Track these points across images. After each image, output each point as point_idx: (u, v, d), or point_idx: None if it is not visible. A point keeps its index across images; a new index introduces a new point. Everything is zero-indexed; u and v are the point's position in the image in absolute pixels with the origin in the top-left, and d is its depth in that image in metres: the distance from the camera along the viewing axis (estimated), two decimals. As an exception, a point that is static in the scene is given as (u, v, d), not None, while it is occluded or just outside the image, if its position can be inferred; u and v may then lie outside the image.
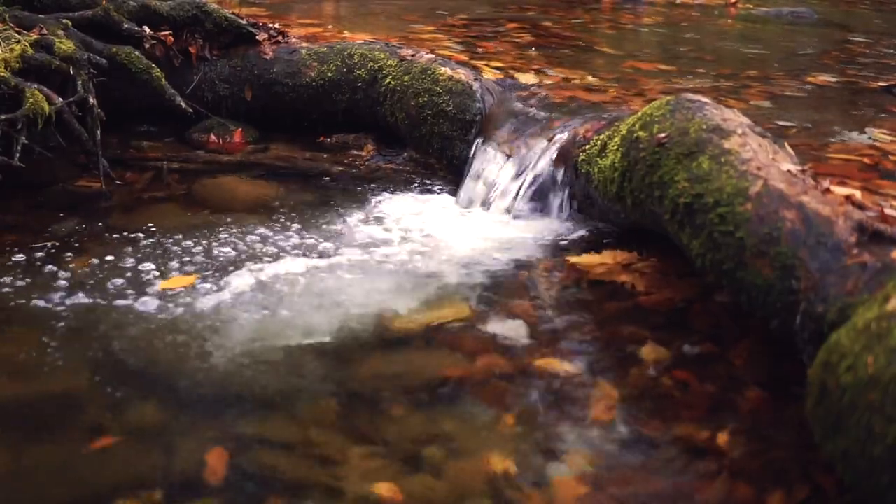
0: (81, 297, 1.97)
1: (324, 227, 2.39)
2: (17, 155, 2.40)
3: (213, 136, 3.04)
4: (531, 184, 2.47)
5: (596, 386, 1.70)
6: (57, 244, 2.22)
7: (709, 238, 1.74)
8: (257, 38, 3.10)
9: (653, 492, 1.42)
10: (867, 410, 1.19)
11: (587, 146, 2.35)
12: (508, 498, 1.40)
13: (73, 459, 1.47)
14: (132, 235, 2.29)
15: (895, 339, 1.20)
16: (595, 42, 4.24)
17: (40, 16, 2.84)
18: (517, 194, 2.47)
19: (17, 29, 2.68)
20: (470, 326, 1.91)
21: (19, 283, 2.03)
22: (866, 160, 2.38)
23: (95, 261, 2.14)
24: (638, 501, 1.40)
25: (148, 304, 1.95)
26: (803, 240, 1.57)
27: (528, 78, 3.10)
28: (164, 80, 2.88)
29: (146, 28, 2.97)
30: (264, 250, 2.23)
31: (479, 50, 3.65)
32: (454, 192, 2.65)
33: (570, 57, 3.74)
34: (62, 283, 2.03)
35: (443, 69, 2.85)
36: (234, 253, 2.21)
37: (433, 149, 2.83)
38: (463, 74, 2.84)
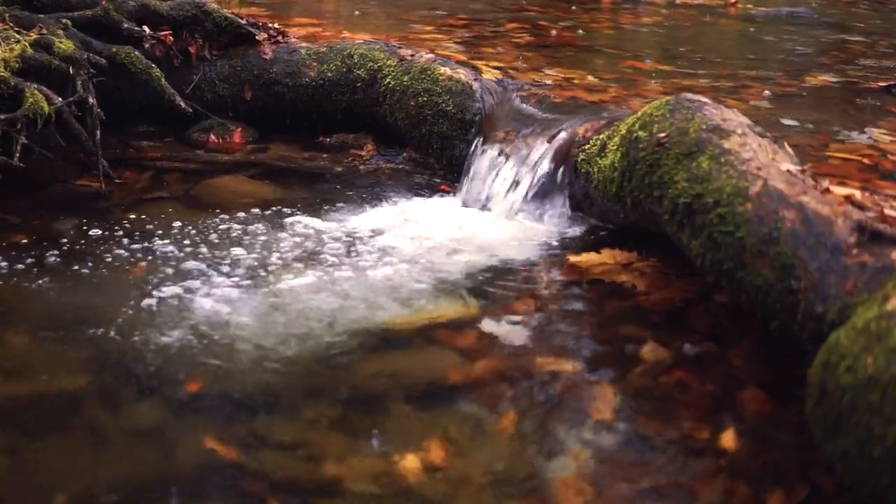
0: (81, 297, 1.96)
1: (323, 226, 2.39)
2: (17, 155, 2.40)
3: (212, 136, 3.04)
4: (531, 183, 2.47)
5: (596, 386, 1.70)
6: (56, 244, 2.22)
7: (708, 238, 1.74)
8: (257, 38, 3.10)
9: (653, 492, 1.42)
10: (867, 411, 1.19)
11: (587, 146, 2.35)
12: (509, 498, 1.40)
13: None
14: (131, 235, 2.29)
15: (895, 340, 1.20)
16: (595, 42, 4.24)
17: (40, 15, 2.84)
18: (517, 194, 2.47)
19: (16, 28, 2.68)
20: (470, 326, 1.91)
21: (19, 283, 2.03)
22: (866, 160, 2.38)
23: (95, 261, 2.14)
24: (638, 501, 1.40)
25: (145, 303, 1.94)
26: (803, 240, 1.57)
27: (527, 78, 3.09)
28: (163, 79, 2.88)
29: (146, 28, 2.97)
30: (263, 250, 2.23)
31: (479, 50, 3.65)
32: (454, 192, 2.65)
33: (570, 57, 3.74)
34: (62, 282, 2.03)
35: (442, 69, 2.84)
36: (233, 253, 2.21)
37: (433, 149, 2.82)
38: (463, 74, 2.84)
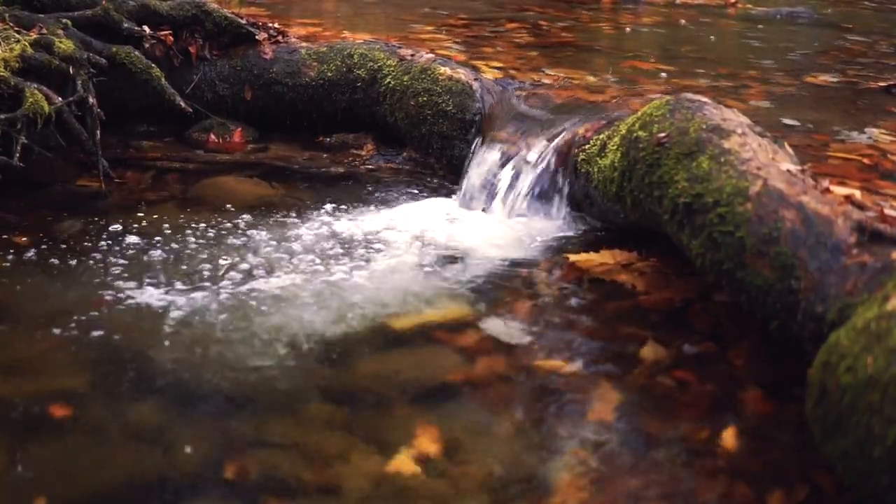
0: (81, 297, 1.97)
1: (323, 226, 2.39)
2: (17, 155, 2.40)
3: (212, 136, 3.04)
4: (531, 183, 2.47)
5: (596, 386, 1.70)
6: (56, 244, 2.22)
7: (708, 238, 1.74)
8: (257, 37, 3.10)
9: (653, 491, 1.42)
10: (867, 411, 1.19)
11: (587, 146, 2.35)
12: (508, 498, 1.40)
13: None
14: (132, 235, 2.29)
15: (895, 340, 1.20)
16: (595, 42, 4.24)
17: (40, 15, 2.84)
18: (517, 194, 2.47)
19: (16, 28, 2.68)
20: (470, 326, 1.91)
21: (19, 282, 2.03)
22: (866, 160, 2.38)
23: (95, 261, 2.14)
24: (637, 501, 1.40)
25: (146, 303, 1.94)
26: (803, 240, 1.57)
27: (527, 78, 3.09)
28: (163, 79, 2.88)
29: (146, 28, 2.97)
30: (264, 249, 2.23)
31: (479, 50, 3.65)
32: (454, 192, 2.65)
33: (570, 57, 3.74)
34: (61, 282, 2.03)
35: (442, 69, 2.84)
36: (233, 252, 2.21)
37: (433, 148, 2.82)
38: (463, 74, 2.84)
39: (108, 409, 1.60)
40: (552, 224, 2.41)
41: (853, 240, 1.51)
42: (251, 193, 2.63)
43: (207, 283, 2.04)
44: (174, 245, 2.24)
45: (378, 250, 2.25)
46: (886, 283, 1.38)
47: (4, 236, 2.26)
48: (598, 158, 2.24)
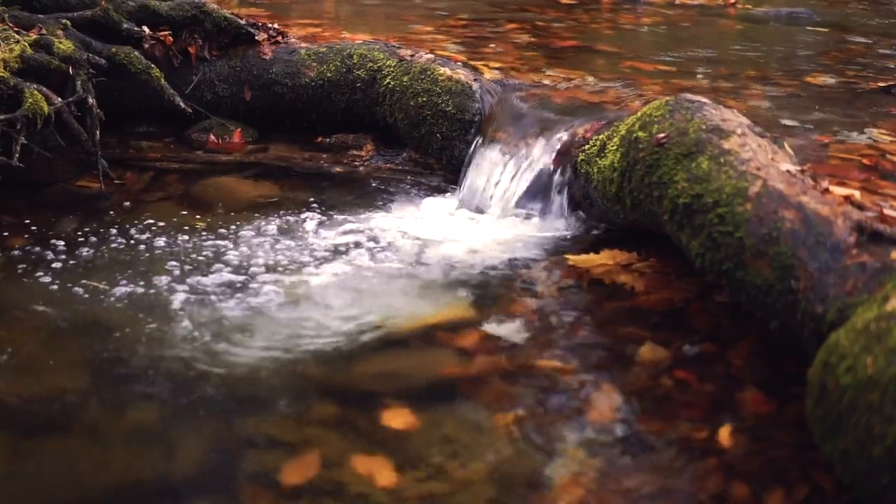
0: (80, 297, 1.97)
1: (323, 227, 2.39)
2: (17, 155, 2.39)
3: (212, 137, 3.04)
4: (530, 184, 2.47)
5: (595, 386, 1.70)
6: (55, 244, 2.22)
7: (708, 238, 1.74)
8: (256, 38, 3.10)
9: (652, 491, 1.42)
10: (866, 411, 1.19)
11: (586, 146, 2.35)
12: (508, 498, 1.40)
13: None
14: (131, 236, 2.29)
15: (894, 340, 1.20)
16: (595, 42, 4.24)
17: (39, 16, 2.84)
18: (516, 194, 2.47)
19: (16, 29, 2.68)
20: (469, 326, 1.91)
21: (18, 283, 2.03)
22: (866, 160, 2.38)
23: (94, 261, 2.14)
24: (637, 501, 1.40)
25: (145, 303, 1.94)
26: (802, 240, 1.57)
27: (527, 78, 3.09)
28: (163, 80, 2.88)
29: (145, 28, 2.97)
30: (263, 250, 2.23)
31: (479, 50, 3.65)
32: (453, 193, 2.65)
33: (570, 57, 3.74)
34: (61, 282, 2.03)
35: (442, 69, 2.84)
36: (232, 253, 2.21)
37: (432, 149, 2.82)
38: (462, 74, 2.84)
39: (109, 409, 1.60)
40: (552, 224, 2.41)
41: (853, 240, 1.51)
42: (250, 194, 2.63)
43: (206, 283, 2.04)
44: (173, 245, 2.24)
45: (377, 251, 2.25)
46: (886, 283, 1.38)
47: (4, 236, 2.26)
48: (597, 159, 2.24)
